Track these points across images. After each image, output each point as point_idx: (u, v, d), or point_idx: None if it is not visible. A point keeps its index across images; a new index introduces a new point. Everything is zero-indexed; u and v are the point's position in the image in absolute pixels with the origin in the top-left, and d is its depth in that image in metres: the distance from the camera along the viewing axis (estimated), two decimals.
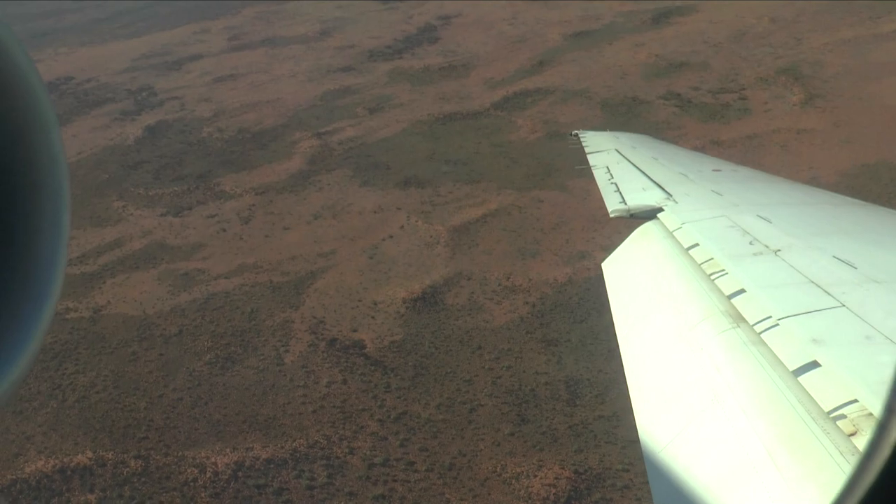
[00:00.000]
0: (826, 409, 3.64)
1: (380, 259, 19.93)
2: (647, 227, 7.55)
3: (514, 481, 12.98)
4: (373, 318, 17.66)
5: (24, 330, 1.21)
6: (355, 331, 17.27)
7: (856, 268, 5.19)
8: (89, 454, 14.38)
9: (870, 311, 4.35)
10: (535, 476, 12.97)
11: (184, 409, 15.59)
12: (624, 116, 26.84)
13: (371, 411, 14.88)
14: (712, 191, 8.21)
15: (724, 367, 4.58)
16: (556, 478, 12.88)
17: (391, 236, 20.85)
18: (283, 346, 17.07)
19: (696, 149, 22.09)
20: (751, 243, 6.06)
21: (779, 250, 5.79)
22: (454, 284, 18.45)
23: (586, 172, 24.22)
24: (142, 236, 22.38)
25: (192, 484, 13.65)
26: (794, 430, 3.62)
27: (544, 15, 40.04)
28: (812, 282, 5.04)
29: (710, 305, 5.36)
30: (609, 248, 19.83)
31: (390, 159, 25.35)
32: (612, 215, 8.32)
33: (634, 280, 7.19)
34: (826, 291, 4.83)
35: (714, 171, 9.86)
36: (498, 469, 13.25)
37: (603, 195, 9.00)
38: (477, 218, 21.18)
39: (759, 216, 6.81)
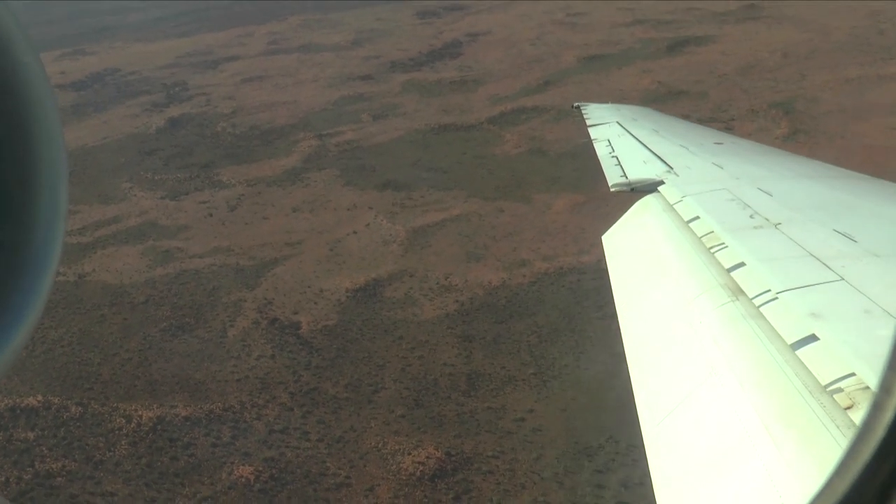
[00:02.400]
0: (823, 383, 3.62)
1: (339, 252, 21.50)
2: (647, 200, 7.59)
3: (390, 457, 14.25)
4: (315, 303, 19.20)
5: (22, 300, 1.20)
6: (296, 313, 18.85)
7: (856, 241, 5.18)
8: (39, 398, 16.27)
9: (869, 284, 4.35)
10: (410, 454, 14.21)
11: (130, 368, 17.43)
12: None
13: (287, 384, 16.40)
14: (713, 164, 8.29)
15: (723, 340, 4.59)
16: (427, 457, 14.09)
17: (355, 232, 22.40)
18: (230, 321, 18.78)
19: None
20: (751, 216, 6.09)
21: (779, 224, 5.80)
22: (396, 280, 19.85)
23: (553, 186, 25.46)
24: (138, 215, 24.55)
25: (117, 432, 15.39)
26: (791, 404, 3.60)
27: (568, 38, 41.15)
28: (812, 255, 5.04)
29: (710, 279, 5.36)
30: (552, 259, 21.11)
31: (378, 163, 26.95)
32: (612, 189, 8.38)
33: (634, 253, 7.19)
34: (826, 265, 4.83)
35: (716, 143, 9.91)
36: (379, 445, 14.54)
37: (603, 168, 9.05)
38: (437, 222, 22.54)
39: (759, 189, 6.84)
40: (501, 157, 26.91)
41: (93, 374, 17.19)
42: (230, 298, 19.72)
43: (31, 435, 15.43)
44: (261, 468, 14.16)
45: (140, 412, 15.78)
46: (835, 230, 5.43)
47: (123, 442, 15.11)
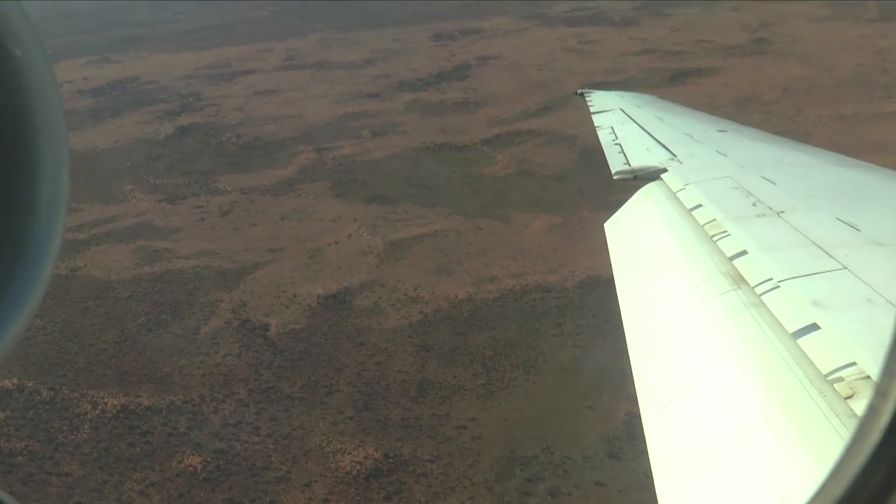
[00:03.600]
0: (824, 372, 3.59)
1: (318, 260, 22.32)
2: (650, 188, 7.56)
3: (331, 456, 14.90)
4: (287, 307, 20.01)
5: (23, 286, 1.18)
6: (267, 315, 19.66)
7: (859, 230, 5.14)
8: (15, 381, 17.21)
9: (872, 274, 4.30)
10: (350, 454, 14.85)
11: (105, 358, 18.35)
12: (599, 165, 28.16)
13: (247, 382, 17.17)
14: (717, 151, 8.24)
15: (724, 328, 4.55)
16: (365, 458, 14.72)
17: (336, 242, 23.22)
18: (204, 319, 19.65)
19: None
20: (754, 205, 6.05)
21: (782, 212, 5.76)
22: (367, 289, 20.59)
23: (534, 207, 26.06)
24: (135, 216, 25.67)
25: (82, 417, 16.26)
26: (792, 393, 3.58)
27: (575, 65, 41.89)
28: (814, 244, 5.00)
29: (712, 267, 5.32)
30: (520, 276, 21.73)
31: (369, 177, 27.83)
32: (615, 177, 8.33)
33: (636, 241, 7.15)
34: (828, 254, 4.78)
35: (720, 132, 9.83)
36: (323, 444, 15.20)
37: (607, 156, 9.02)
38: (416, 236, 23.28)
39: (763, 177, 6.79)
40: (489, 178, 27.62)
41: (69, 362, 18.12)
42: (208, 298, 20.60)
43: (1, 415, 16.36)
44: (209, 459, 14.89)
45: (106, 399, 16.64)
46: (838, 219, 5.39)
47: (86, 426, 15.96)
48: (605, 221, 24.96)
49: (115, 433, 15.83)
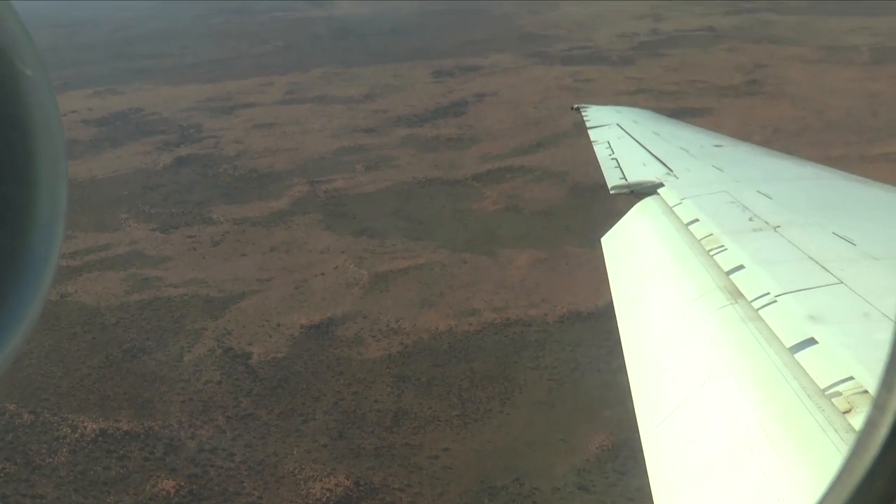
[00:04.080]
0: (822, 387, 3.59)
1: (303, 291, 22.67)
2: (646, 203, 7.62)
3: (303, 483, 15.08)
4: (270, 336, 20.31)
5: (20, 303, 1.19)
6: (250, 344, 19.95)
7: (855, 244, 5.16)
8: None
9: (868, 288, 4.32)
10: (321, 481, 15.03)
11: (87, 383, 18.63)
12: (586, 200, 28.67)
13: (226, 409, 17.42)
14: (713, 166, 8.27)
15: (721, 343, 4.55)
16: (336, 485, 14.90)
17: (323, 273, 23.59)
18: (188, 347, 19.95)
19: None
20: (750, 219, 6.10)
21: (778, 226, 5.80)
22: (350, 320, 20.89)
23: (519, 242, 26.42)
24: (128, 244, 26.11)
25: (61, 440, 16.51)
26: (790, 408, 3.58)
27: (570, 102, 42.21)
28: (811, 258, 5.03)
29: (709, 281, 5.35)
30: (502, 310, 22.05)
31: (360, 211, 28.29)
32: (612, 191, 8.36)
33: (633, 255, 7.16)
34: (825, 268, 4.81)
35: (715, 146, 9.89)
36: (296, 471, 15.39)
37: (603, 170, 9.06)
38: (402, 269, 23.63)
39: (759, 192, 6.84)
40: (478, 212, 28.05)
41: (52, 386, 18.41)
42: (193, 326, 20.92)
43: None
44: (183, 483, 15.09)
45: (86, 423, 16.90)
46: (834, 233, 5.42)
47: (64, 450, 16.20)
48: (590, 257, 25.34)
49: (93, 456, 16.06)
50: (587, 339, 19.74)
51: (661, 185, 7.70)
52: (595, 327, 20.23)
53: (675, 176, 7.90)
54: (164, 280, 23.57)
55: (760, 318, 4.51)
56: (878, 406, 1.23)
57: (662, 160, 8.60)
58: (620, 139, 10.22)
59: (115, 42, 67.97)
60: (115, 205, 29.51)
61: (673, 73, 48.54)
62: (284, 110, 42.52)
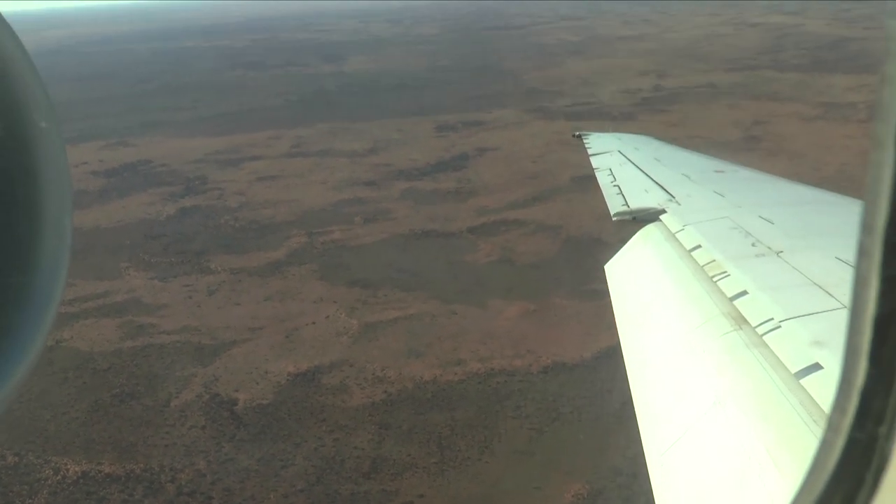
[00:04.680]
0: (828, 412, 4.17)
1: (294, 339, 23.04)
2: (649, 229, 7.66)
3: None
4: (257, 383, 20.63)
5: (23, 339, 1.22)
6: (237, 391, 20.27)
7: None
8: None
9: None
10: None
11: (74, 426, 18.97)
12: (580, 254, 29.14)
13: (207, 453, 17.66)
14: (715, 192, 8.33)
15: (726, 369, 4.53)
16: None
17: (314, 323, 23.98)
18: (176, 392, 20.28)
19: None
20: (753, 245, 6.11)
21: (781, 251, 5.81)
22: (336, 368, 21.20)
23: (510, 294, 26.64)
24: (126, 292, 26.67)
25: (42, 482, 16.80)
26: (797, 433, 3.55)
27: (570, 157, 43.08)
28: (814, 283, 5.03)
29: (712, 307, 5.35)
30: (487, 360, 22.30)
31: (355, 262, 28.80)
32: (614, 218, 8.43)
33: (636, 282, 7.16)
34: (828, 293, 4.81)
35: (716, 172, 9.97)
36: None
37: (605, 197, 9.11)
38: (392, 319, 23.99)
39: (761, 217, 6.88)
40: (471, 264, 28.48)
41: (39, 429, 18.74)
42: (183, 373, 21.29)
43: None
44: None
45: (69, 466, 17.20)
46: (837, 258, 5.40)
47: (45, 491, 16.48)
48: (578, 309, 25.65)
49: (72, 498, 16.31)
50: (570, 390, 19.94)
51: (664, 211, 7.78)
52: (578, 378, 20.46)
53: (677, 202, 7.96)
54: (159, 327, 24.04)
55: (765, 344, 4.52)
56: (832, 427, 1.25)
57: (664, 186, 8.69)
58: (622, 166, 10.33)
59: (131, 95, 69.94)
60: (117, 253, 30.20)
61: (672, 128, 49.26)
62: (289, 163, 43.50)
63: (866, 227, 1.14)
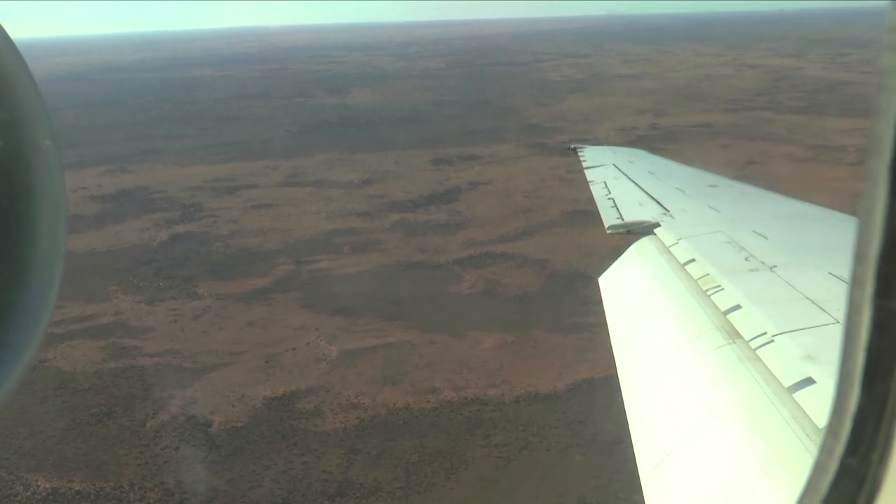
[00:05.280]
0: (821, 426, 3.53)
1: (273, 364, 23.41)
2: (643, 243, 7.67)
3: None
4: (233, 406, 20.96)
5: (11, 354, 1.23)
6: (213, 413, 20.60)
7: None
8: None
9: None
10: None
11: (49, 444, 19.32)
12: (563, 288, 29.55)
13: (178, 473, 17.98)
14: (709, 206, 8.40)
15: (720, 383, 4.52)
16: None
17: (294, 349, 24.36)
18: (153, 413, 20.64)
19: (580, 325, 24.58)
20: (746, 259, 6.14)
21: (774, 266, 5.85)
22: (312, 393, 21.54)
23: (489, 326, 26.92)
24: (113, 315, 27.14)
25: (12, 498, 17.13)
26: (789, 447, 3.56)
27: (563, 193, 43.84)
28: (807, 298, 5.06)
29: (706, 321, 5.36)
30: (461, 389, 22.61)
31: (340, 290, 29.23)
32: (609, 231, 8.41)
33: (630, 295, 7.15)
34: (821, 308, 4.84)
35: (711, 186, 10.02)
36: None
37: (600, 210, 9.13)
38: (371, 347, 24.36)
39: (755, 232, 6.92)
40: (454, 296, 28.88)
41: (15, 446, 19.09)
42: (161, 394, 21.65)
43: None
44: None
45: (40, 482, 17.53)
46: (830, 273, 5.43)
47: None
48: (557, 342, 25.94)
49: None
50: (540, 420, 20.23)
51: (658, 224, 7.81)
52: (550, 408, 20.75)
53: (671, 216, 8.01)
54: (142, 350, 24.45)
55: (758, 358, 4.53)
56: (826, 451, 1.27)
57: (658, 200, 8.74)
58: (617, 179, 10.41)
59: (136, 123, 71.19)
60: (108, 277, 30.72)
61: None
62: (284, 192, 44.21)
63: (859, 257, 1.15)
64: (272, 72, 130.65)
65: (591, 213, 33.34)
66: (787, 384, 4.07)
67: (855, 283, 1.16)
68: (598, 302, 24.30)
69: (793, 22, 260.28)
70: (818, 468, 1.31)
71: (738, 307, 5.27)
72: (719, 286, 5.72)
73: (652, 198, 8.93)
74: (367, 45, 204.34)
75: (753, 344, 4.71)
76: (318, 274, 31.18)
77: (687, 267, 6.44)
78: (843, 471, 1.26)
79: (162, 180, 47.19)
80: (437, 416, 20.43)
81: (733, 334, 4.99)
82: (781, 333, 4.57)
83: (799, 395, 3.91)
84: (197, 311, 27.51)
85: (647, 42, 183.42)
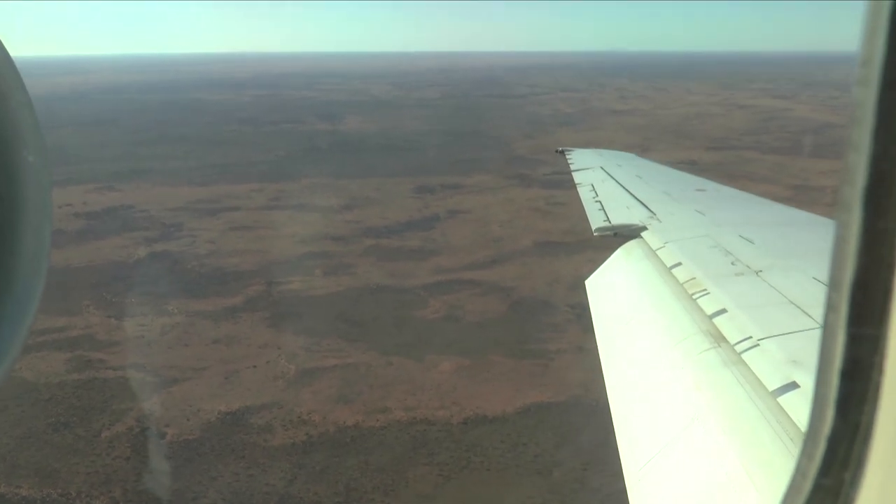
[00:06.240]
0: (805, 430, 4.11)
1: (233, 380, 24.05)
2: (630, 246, 7.70)
3: None
4: (188, 420, 21.58)
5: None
6: (167, 426, 21.22)
7: None
8: None
9: None
10: None
11: (2, 451, 19.93)
12: (525, 315, 30.30)
13: (125, 482, 18.56)
14: (696, 210, 8.42)
15: (705, 386, 4.52)
16: None
17: (255, 366, 25.02)
18: (109, 424, 21.24)
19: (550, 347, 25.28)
20: (732, 263, 6.15)
21: (760, 271, 5.85)
22: (265, 409, 22.17)
23: (448, 349, 27.53)
24: (82, 328, 27.80)
25: None
26: (772, 451, 3.58)
27: (537, 223, 44.78)
28: (792, 302, 5.08)
29: (692, 325, 5.36)
30: (412, 409, 23.24)
31: (307, 311, 29.94)
32: (595, 233, 8.39)
33: (616, 298, 7.13)
34: (806, 312, 4.86)
35: (697, 190, 10.09)
36: None
37: (587, 213, 9.11)
38: (329, 366, 25.03)
39: (741, 236, 6.95)
40: (417, 320, 29.59)
41: None
42: (120, 406, 22.27)
43: None
44: None
45: None
46: (814, 278, 5.47)
47: None
48: (512, 366, 26.64)
49: None
50: (485, 441, 20.85)
51: (645, 228, 7.87)
52: (496, 430, 21.39)
53: (658, 219, 8.07)
54: (106, 363, 25.09)
55: (743, 362, 4.54)
56: (800, 472, 1.29)
57: (646, 203, 8.81)
58: (604, 182, 10.49)
59: (128, 143, 72.24)
60: (82, 292, 31.40)
61: None
62: (265, 215, 45.05)
63: (834, 284, 1.17)
64: (266, 97, 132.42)
65: (561, 244, 34.43)
66: (771, 388, 4.09)
67: (830, 308, 1.18)
68: (557, 329, 25.20)
69: (785, 65, 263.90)
70: (793, 488, 1.32)
71: (723, 311, 5.31)
72: (705, 290, 5.76)
73: (639, 201, 9.01)
74: (366, 74, 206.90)
75: (738, 348, 4.73)
76: (288, 294, 31.91)
77: (673, 270, 6.49)
78: (817, 490, 1.28)
79: (147, 200, 48.09)
80: (385, 434, 21.05)
81: (719, 338, 5.02)
82: (766, 338, 4.60)
83: (783, 399, 3.93)
84: (165, 327, 28.18)
85: (643, 79, 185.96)
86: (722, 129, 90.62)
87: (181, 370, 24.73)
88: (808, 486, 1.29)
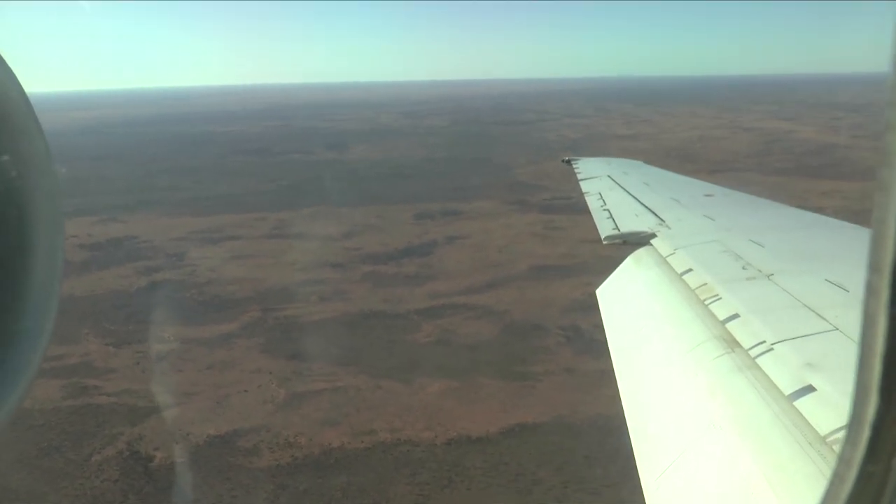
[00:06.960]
0: (822, 434, 3.56)
1: (223, 405, 24.51)
2: (640, 254, 7.70)
3: None
4: (177, 443, 22.03)
5: (16, 364, 1.24)
6: (157, 449, 21.67)
7: (848, 290, 5.15)
8: None
9: None
10: None
11: None
12: (517, 339, 30.63)
13: None
14: (704, 216, 8.41)
15: (720, 392, 4.50)
16: None
17: (246, 391, 25.48)
18: (100, 448, 21.73)
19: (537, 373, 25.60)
20: (744, 268, 6.14)
21: (771, 274, 5.84)
22: (253, 432, 22.58)
23: (437, 372, 27.96)
24: (80, 356, 28.41)
25: None
26: (791, 456, 3.55)
27: (535, 248, 45.21)
28: (805, 305, 5.06)
29: (704, 331, 5.34)
30: (398, 431, 23.62)
31: (301, 336, 30.44)
32: (605, 242, 8.43)
33: (628, 306, 7.11)
34: (819, 315, 4.83)
35: (706, 196, 10.12)
36: None
37: (596, 221, 9.16)
38: (319, 390, 25.45)
39: (751, 240, 6.94)
40: (409, 344, 29.99)
41: None
42: (111, 431, 22.77)
43: None
44: None
45: None
46: (826, 280, 5.46)
47: None
48: (499, 388, 27.08)
49: None
50: (467, 461, 21.14)
51: (654, 235, 7.91)
52: (479, 450, 21.68)
53: (667, 226, 8.08)
54: (101, 389, 25.64)
55: (757, 367, 4.51)
56: (844, 460, 1.26)
57: (654, 211, 8.85)
58: (612, 190, 10.54)
59: (135, 175, 73.63)
60: (82, 320, 32.09)
61: None
62: (266, 244, 45.79)
63: (873, 267, 1.15)
64: (275, 128, 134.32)
65: (557, 268, 34.85)
66: (787, 392, 4.06)
67: (870, 292, 1.16)
68: (548, 351, 25.58)
69: (792, 87, 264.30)
70: (837, 477, 1.31)
71: (736, 316, 5.30)
72: (717, 295, 5.75)
73: (648, 208, 9.06)
74: (377, 103, 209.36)
75: (753, 352, 4.71)
76: (283, 321, 32.43)
77: (684, 277, 6.48)
78: (864, 478, 1.26)
79: (151, 230, 49.02)
80: (369, 455, 21.39)
81: (732, 343, 4.99)
82: (780, 341, 4.59)
83: (799, 403, 3.90)
84: (161, 354, 28.75)
85: (649, 103, 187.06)
86: (725, 151, 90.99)
87: (174, 395, 25.22)
88: (853, 473, 1.27)
